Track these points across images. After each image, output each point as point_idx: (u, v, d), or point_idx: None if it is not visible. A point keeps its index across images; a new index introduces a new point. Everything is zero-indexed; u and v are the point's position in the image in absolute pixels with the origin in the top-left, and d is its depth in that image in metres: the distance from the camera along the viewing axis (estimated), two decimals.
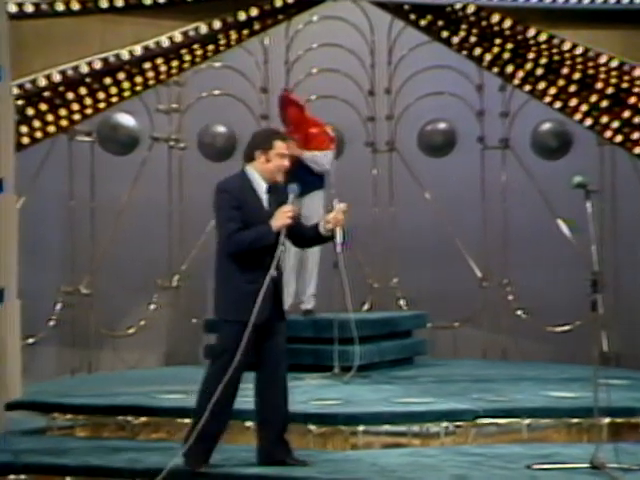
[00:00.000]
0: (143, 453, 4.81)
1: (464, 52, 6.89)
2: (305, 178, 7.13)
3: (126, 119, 7.87)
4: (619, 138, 6.99)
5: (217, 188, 4.57)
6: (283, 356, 4.67)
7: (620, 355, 7.84)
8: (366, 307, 8.50)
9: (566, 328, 7.96)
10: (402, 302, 8.51)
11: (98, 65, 5.81)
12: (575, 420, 5.21)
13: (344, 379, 6.34)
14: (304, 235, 4.67)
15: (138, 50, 5.89)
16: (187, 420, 5.16)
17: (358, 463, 4.65)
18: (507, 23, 6.39)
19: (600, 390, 4.56)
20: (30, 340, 6.95)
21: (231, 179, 4.63)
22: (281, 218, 4.43)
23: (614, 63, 6.35)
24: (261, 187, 4.59)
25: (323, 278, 7.26)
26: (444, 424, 5.12)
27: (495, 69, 6.91)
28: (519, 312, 8.23)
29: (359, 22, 8.58)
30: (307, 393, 5.78)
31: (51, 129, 6.03)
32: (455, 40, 6.78)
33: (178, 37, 5.99)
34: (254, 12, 6.17)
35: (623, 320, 7.80)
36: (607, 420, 5.20)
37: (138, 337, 7.87)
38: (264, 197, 4.58)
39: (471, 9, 6.37)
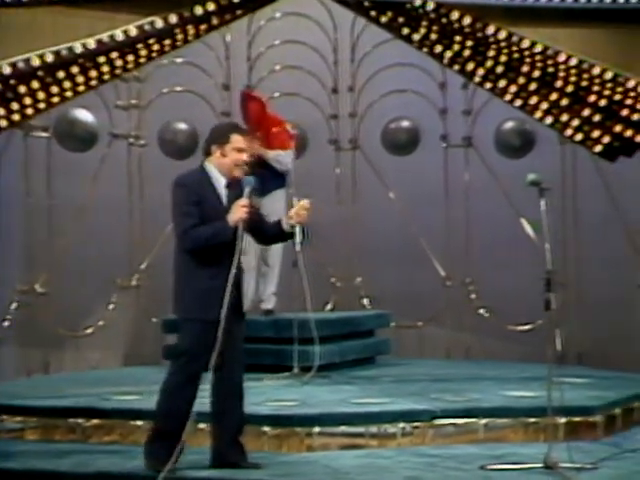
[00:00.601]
0: (92, 456, 4.71)
1: (425, 49, 6.84)
2: (267, 177, 7.08)
3: (84, 115, 7.73)
4: (579, 136, 6.99)
5: (175, 182, 4.47)
6: (241, 357, 4.59)
7: (582, 353, 7.85)
8: (329, 307, 8.44)
9: (527, 327, 7.94)
10: (366, 301, 8.46)
11: (50, 58, 5.67)
12: (532, 420, 5.17)
13: (303, 380, 6.27)
14: (267, 232, 4.60)
15: (92, 43, 5.75)
16: (140, 422, 5.11)
17: (312, 465, 4.58)
18: (466, 20, 6.34)
19: (555, 389, 4.53)
20: None
21: (189, 174, 4.53)
22: (237, 212, 4.34)
23: (573, 61, 6.33)
24: (220, 182, 4.50)
25: (283, 277, 7.19)
26: (401, 425, 5.06)
27: (456, 67, 6.87)
28: (482, 311, 8.22)
29: (322, 19, 8.52)
30: (264, 394, 5.70)
31: (3, 123, 5.89)
32: (416, 37, 6.73)
33: (133, 31, 5.86)
34: (211, 7, 6.06)
35: (585, 318, 7.81)
36: (563, 419, 5.18)
37: (97, 337, 7.74)
38: (223, 192, 4.49)
39: (431, 6, 6.32)
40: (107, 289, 7.82)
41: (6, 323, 7.18)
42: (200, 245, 4.36)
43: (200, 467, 4.52)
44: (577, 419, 5.27)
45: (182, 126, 8.34)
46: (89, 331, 7.72)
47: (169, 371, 4.45)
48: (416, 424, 5.11)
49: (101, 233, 7.60)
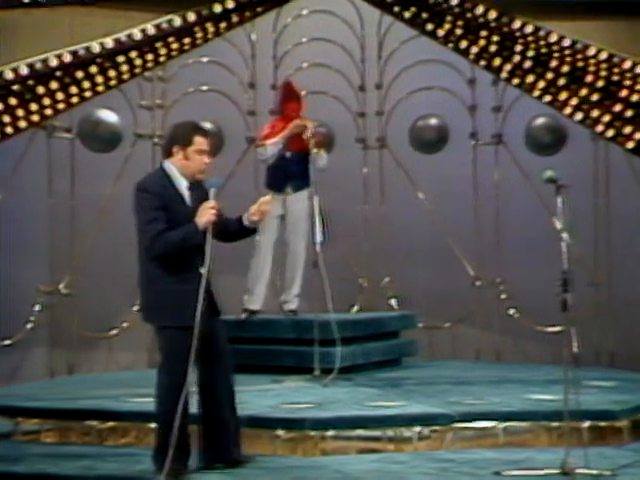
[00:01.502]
0: (102, 460, 4.67)
1: (450, 45, 6.69)
2: (303, 174, 6.99)
3: (108, 115, 7.73)
4: (611, 132, 6.78)
5: (136, 188, 4.37)
6: (226, 354, 4.50)
7: (615, 354, 7.65)
8: (356, 308, 8.34)
9: (557, 328, 7.74)
10: (393, 302, 8.34)
11: (68, 58, 5.64)
12: (555, 424, 5.01)
13: (323, 382, 6.17)
14: (228, 229, 4.48)
15: (109, 43, 5.73)
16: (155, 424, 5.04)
17: (322, 470, 4.49)
18: (492, 15, 6.19)
19: (575, 392, 4.38)
20: (7, 342, 6.83)
21: (150, 178, 4.44)
22: (205, 215, 4.24)
23: (603, 55, 6.14)
24: (182, 183, 4.41)
25: (305, 278, 7.10)
26: (417, 428, 4.94)
27: (482, 62, 6.71)
28: (512, 311, 8.05)
29: (349, 16, 8.42)
30: (281, 396, 5.63)
31: (22, 124, 5.88)
32: (440, 33, 6.59)
33: (151, 30, 5.82)
34: (230, 4, 6.00)
35: (618, 318, 7.61)
36: (587, 424, 5.01)
37: (121, 339, 7.73)
38: (186, 194, 4.40)
39: (455, 1, 6.18)
40: (132, 290, 7.76)
41: (30, 325, 7.20)
42: (169, 250, 4.25)
43: (208, 472, 4.45)
44: (602, 424, 5.10)
45: (207, 125, 8.28)
46: (113, 332, 7.71)
47: (157, 381, 4.36)
48: (434, 428, 4.99)
49: (125, 233, 7.55)
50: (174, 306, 4.24)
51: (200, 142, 4.38)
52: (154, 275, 4.30)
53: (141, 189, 4.37)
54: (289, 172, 7.04)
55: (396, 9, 6.61)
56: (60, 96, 5.95)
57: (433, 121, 8.41)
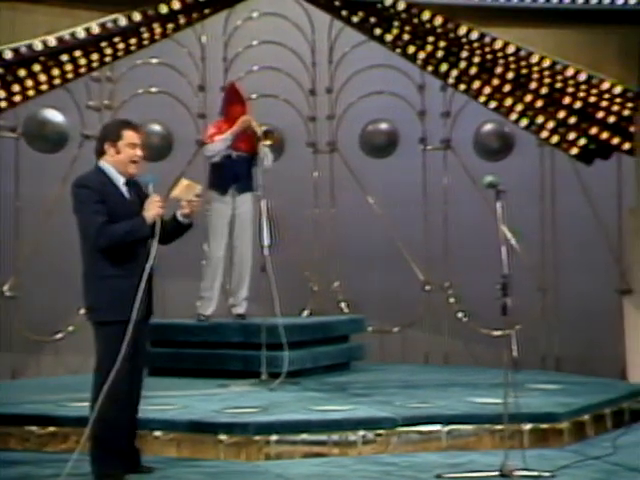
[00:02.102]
0: (39, 466, 4.58)
1: (398, 50, 6.75)
2: (248, 176, 6.96)
3: (54, 115, 7.62)
4: (555, 139, 6.89)
5: (75, 184, 4.38)
6: (145, 357, 4.52)
7: (560, 358, 7.73)
8: (306, 312, 8.32)
9: (500, 332, 7.80)
10: (343, 306, 8.34)
11: (9, 55, 5.54)
12: (498, 427, 5.03)
13: (270, 386, 6.13)
14: (165, 228, 4.42)
15: (52, 41, 5.64)
16: None
17: (264, 475, 4.45)
18: (438, 21, 6.23)
19: (517, 395, 4.41)
20: None
21: (88, 175, 4.44)
22: (153, 208, 4.26)
23: (546, 62, 6.22)
24: (119, 180, 4.43)
25: (253, 282, 7.06)
26: (362, 432, 4.93)
27: (429, 68, 6.78)
28: (460, 315, 8.10)
29: (299, 20, 8.42)
30: (225, 401, 5.58)
31: None
32: (388, 38, 6.64)
33: (96, 29, 5.75)
34: (176, 5, 5.96)
35: (564, 323, 7.69)
36: (529, 426, 5.05)
37: (67, 342, 7.61)
38: (124, 190, 4.42)
39: (401, 6, 6.21)
40: (78, 293, 7.62)
41: None
42: (116, 242, 4.26)
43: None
44: (544, 426, 5.14)
45: (156, 128, 8.24)
46: (59, 336, 7.59)
47: (95, 381, 4.29)
48: (379, 432, 4.98)
49: (70, 235, 7.44)
50: (118, 301, 4.22)
51: (130, 135, 4.40)
52: (96, 270, 4.28)
53: (79, 185, 4.37)
54: (235, 173, 6.99)
55: (344, 13, 6.63)
56: (2, 94, 5.86)
57: (383, 126, 8.45)
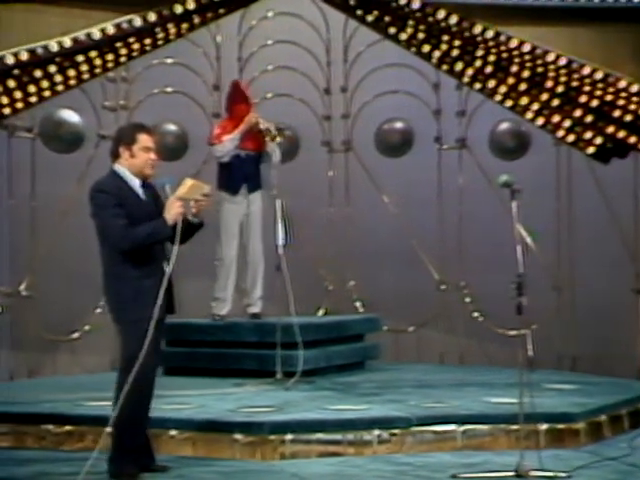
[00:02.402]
0: (55, 464, 4.60)
1: (413, 49, 6.72)
2: (257, 175, 6.98)
3: (70, 115, 7.65)
4: (571, 138, 6.84)
5: (93, 189, 4.45)
6: (160, 355, 4.55)
7: (577, 358, 7.69)
8: (322, 311, 8.32)
9: (514, 332, 7.77)
10: (358, 305, 8.34)
11: (25, 56, 5.56)
12: (513, 427, 5.02)
13: (285, 385, 6.14)
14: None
15: (68, 42, 5.65)
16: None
17: (279, 474, 4.46)
18: (453, 19, 6.20)
19: (531, 395, 4.39)
20: None
21: (104, 180, 4.49)
22: (173, 209, 4.30)
23: (562, 61, 6.17)
24: (135, 183, 4.47)
25: (268, 281, 7.07)
26: (376, 432, 4.93)
27: (444, 67, 6.74)
28: (476, 314, 8.08)
29: (314, 19, 8.42)
30: (240, 400, 5.59)
31: None
32: (403, 37, 6.60)
33: (111, 29, 5.75)
34: (191, 5, 5.95)
35: (580, 322, 7.66)
36: (545, 427, 5.03)
37: (84, 342, 7.65)
38: (140, 192, 4.46)
39: (416, 5, 6.18)
40: (94, 292, 7.66)
41: None
42: (139, 244, 4.32)
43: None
44: (560, 426, 5.12)
45: (172, 127, 8.26)
46: (76, 335, 7.63)
47: (121, 380, 4.30)
48: (394, 431, 4.98)
49: (86, 235, 7.46)
50: (141, 300, 4.27)
51: (144, 139, 4.44)
52: (119, 270, 4.33)
53: (97, 190, 4.43)
54: (245, 172, 7.00)
55: (359, 12, 6.61)
56: (18, 95, 5.88)
57: (398, 125, 8.43)
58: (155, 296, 4.20)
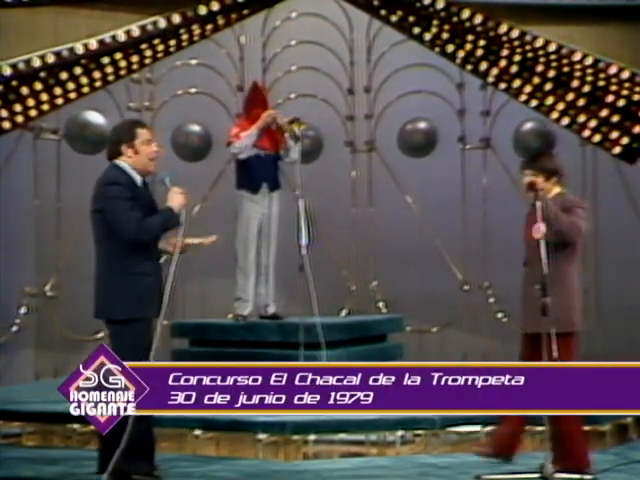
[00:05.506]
0: (80, 464, 4.64)
1: (437, 49, 6.71)
2: (276, 174, 6.98)
3: (95, 117, 7.71)
4: (597, 138, 6.79)
5: (104, 182, 4.45)
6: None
7: (601, 358, 7.62)
8: (345, 312, 8.32)
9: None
10: (382, 305, 8.33)
11: (51, 59, 5.63)
12: (538, 428, 4.99)
13: None
14: None
15: (94, 44, 5.71)
16: None
17: (302, 474, 4.48)
18: (478, 19, 6.19)
19: None
20: None
21: (114, 172, 4.49)
22: (176, 199, 4.33)
23: (589, 60, 6.15)
24: (138, 179, 4.48)
25: (291, 281, 7.06)
26: (400, 433, 4.92)
27: (469, 66, 6.72)
28: (500, 315, 8.05)
29: (338, 19, 8.42)
30: None
31: (6, 125, 5.88)
32: (427, 37, 6.60)
33: (136, 31, 5.81)
34: (215, 6, 6.00)
35: (605, 323, 7.61)
36: None
37: (107, 341, 7.66)
38: (142, 188, 4.50)
39: (440, 5, 6.18)
40: None
41: (15, 327, 7.16)
42: (155, 235, 4.34)
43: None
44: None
45: (195, 128, 8.29)
46: (100, 335, 7.67)
47: None
48: (417, 432, 4.97)
49: None
50: (143, 298, 4.27)
51: (143, 133, 4.47)
52: (124, 267, 4.29)
53: (109, 182, 4.44)
54: (264, 171, 6.98)
55: (383, 12, 6.61)
56: (44, 97, 5.95)
57: (422, 125, 8.41)
58: (157, 294, 4.19)
